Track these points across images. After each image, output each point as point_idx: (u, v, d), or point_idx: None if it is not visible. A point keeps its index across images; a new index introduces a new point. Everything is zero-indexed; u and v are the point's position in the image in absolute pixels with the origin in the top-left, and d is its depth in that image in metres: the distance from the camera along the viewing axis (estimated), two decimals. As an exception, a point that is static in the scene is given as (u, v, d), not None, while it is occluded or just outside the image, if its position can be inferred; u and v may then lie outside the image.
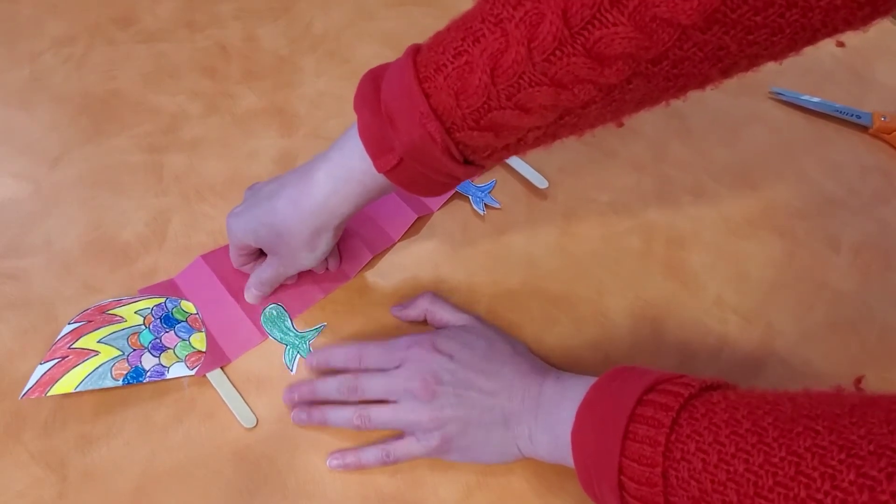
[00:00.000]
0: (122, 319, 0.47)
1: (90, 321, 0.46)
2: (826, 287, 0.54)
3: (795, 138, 0.63)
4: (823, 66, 0.68)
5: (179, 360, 0.46)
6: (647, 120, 0.63)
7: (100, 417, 0.45)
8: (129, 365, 0.45)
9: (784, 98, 0.65)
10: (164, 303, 0.49)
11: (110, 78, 0.62)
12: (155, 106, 0.60)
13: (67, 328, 0.46)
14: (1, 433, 0.44)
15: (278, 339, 0.49)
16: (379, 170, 0.39)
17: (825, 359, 0.50)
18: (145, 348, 0.46)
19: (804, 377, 0.49)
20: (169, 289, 0.50)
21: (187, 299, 0.50)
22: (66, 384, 0.43)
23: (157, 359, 0.46)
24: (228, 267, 0.51)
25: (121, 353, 0.45)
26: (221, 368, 0.47)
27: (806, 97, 0.64)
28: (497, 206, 0.56)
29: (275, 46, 0.65)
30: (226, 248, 0.51)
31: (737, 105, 0.65)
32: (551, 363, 0.49)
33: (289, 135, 0.59)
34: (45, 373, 0.44)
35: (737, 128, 0.63)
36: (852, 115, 0.63)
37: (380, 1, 0.70)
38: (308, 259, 0.46)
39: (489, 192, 0.57)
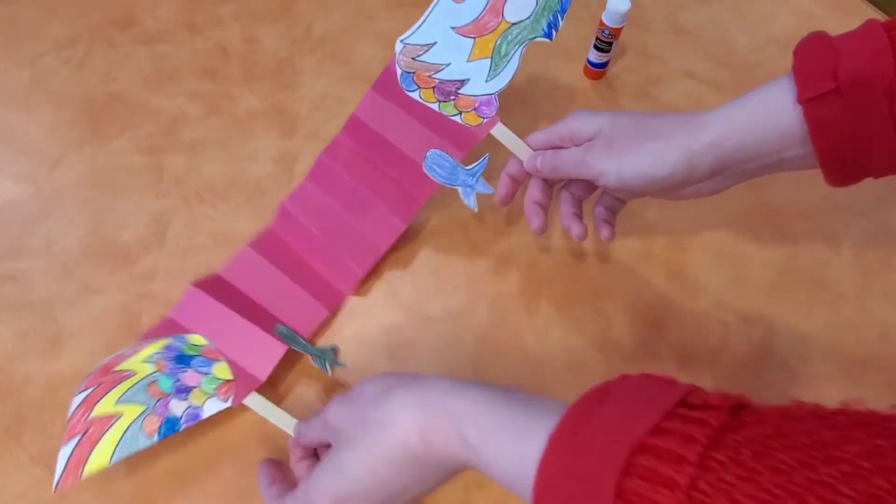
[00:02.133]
0: (133, 373, 0.43)
1: (99, 384, 0.42)
2: (826, 288, 0.54)
3: (795, 139, 0.63)
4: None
5: (210, 395, 0.43)
6: (647, 121, 0.63)
7: (100, 419, 0.44)
8: (159, 416, 0.41)
9: (784, 99, 0.64)
10: (171, 342, 0.44)
11: (111, 80, 0.62)
12: (155, 108, 0.60)
13: (76, 399, 0.41)
14: (1, 435, 0.44)
15: (301, 350, 0.47)
16: (804, 96, 0.37)
17: (825, 360, 0.50)
18: (170, 394, 0.42)
19: (804, 379, 0.49)
20: (169, 327, 0.47)
21: (192, 332, 0.46)
22: (100, 459, 0.40)
23: (185, 401, 0.42)
24: (224, 288, 0.49)
25: (145, 407, 0.42)
26: (256, 390, 0.44)
27: (806, 98, 0.64)
28: (489, 191, 0.50)
29: (275, 48, 0.65)
30: (214, 276, 0.50)
31: (737, 106, 0.65)
32: (551, 364, 0.49)
33: (289, 136, 0.59)
34: (70, 454, 0.40)
35: (737, 129, 0.63)
36: (852, 117, 0.63)
37: (380, 2, 0.70)
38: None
39: (480, 175, 0.50)
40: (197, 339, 0.45)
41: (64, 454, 0.39)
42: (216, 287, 0.49)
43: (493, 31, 0.46)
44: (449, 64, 0.46)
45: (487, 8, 0.45)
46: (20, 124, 0.58)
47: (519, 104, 0.63)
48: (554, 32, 0.47)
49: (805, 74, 0.38)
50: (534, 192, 0.49)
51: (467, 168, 0.50)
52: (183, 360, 0.44)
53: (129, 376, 0.42)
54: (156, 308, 0.49)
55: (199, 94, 0.61)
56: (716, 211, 0.57)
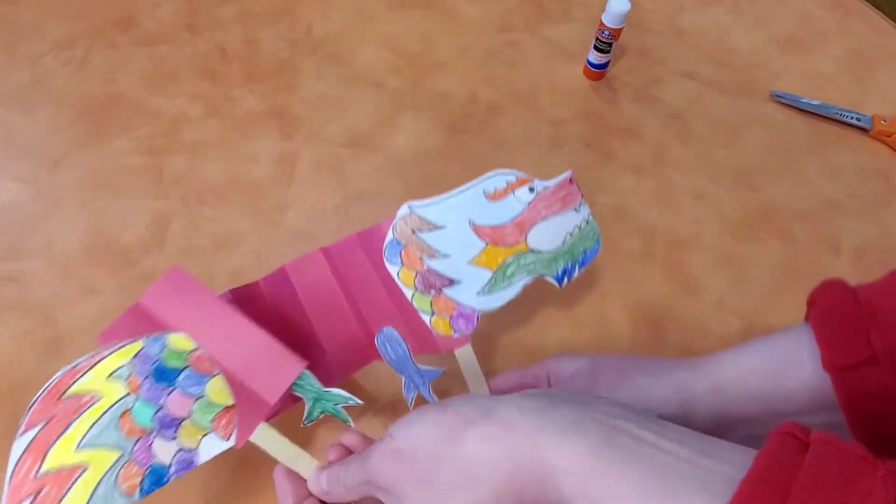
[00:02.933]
0: (96, 397, 0.31)
1: (50, 419, 0.30)
2: (826, 289, 0.54)
3: (796, 141, 0.63)
4: (824, 68, 0.68)
5: (205, 430, 0.33)
6: (648, 122, 0.63)
7: (99, 420, 0.44)
8: (140, 466, 0.31)
9: (784, 100, 0.65)
10: (145, 346, 0.33)
11: (111, 81, 0.62)
12: (155, 108, 0.60)
13: (19, 445, 0.30)
14: (1, 436, 0.44)
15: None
16: (829, 361, 0.31)
17: (826, 361, 0.50)
18: (152, 431, 0.32)
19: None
20: (139, 320, 0.35)
21: (173, 329, 0.34)
22: None
23: (174, 441, 0.32)
24: (262, 299, 0.40)
25: (120, 452, 0.31)
26: (265, 421, 0.35)
27: (806, 100, 0.64)
28: (432, 401, 0.42)
29: (275, 49, 0.65)
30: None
31: (737, 107, 0.65)
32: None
33: (289, 137, 0.59)
34: None
35: (737, 130, 0.63)
36: (852, 118, 0.63)
37: (380, 4, 0.70)
38: None
39: (429, 382, 0.42)
40: (181, 340, 0.34)
41: None
42: (237, 301, 0.40)
43: (509, 246, 0.40)
44: (448, 256, 0.40)
45: (515, 221, 0.40)
46: (20, 125, 0.58)
47: (519, 104, 0.63)
48: (566, 280, 0.42)
49: (829, 334, 0.31)
50: None
51: (420, 367, 0.42)
52: (164, 375, 0.33)
53: (90, 403, 0.31)
54: (156, 309, 0.49)
55: (199, 96, 0.61)
56: (716, 212, 0.57)
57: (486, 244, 0.40)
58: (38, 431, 0.31)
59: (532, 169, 0.58)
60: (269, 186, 0.56)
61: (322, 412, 0.38)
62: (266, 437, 0.35)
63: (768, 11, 0.73)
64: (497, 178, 0.40)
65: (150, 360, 0.33)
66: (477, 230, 0.40)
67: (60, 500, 0.29)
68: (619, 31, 0.61)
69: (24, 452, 0.30)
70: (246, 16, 0.68)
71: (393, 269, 0.40)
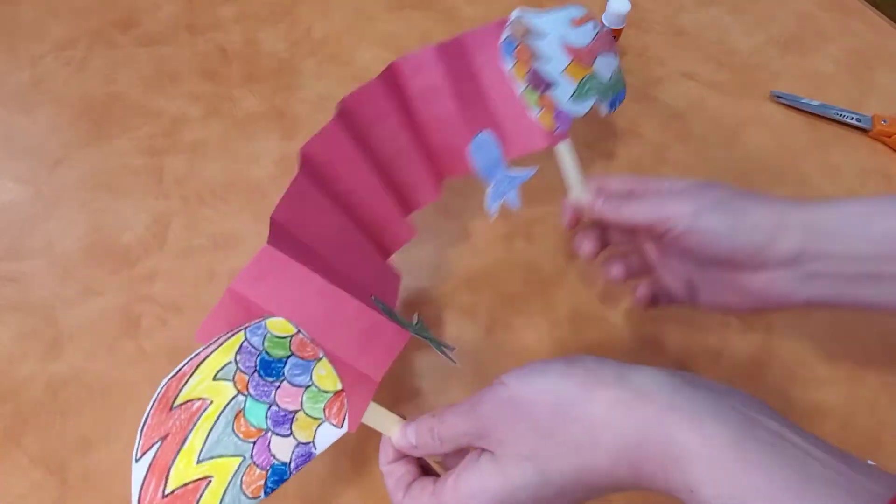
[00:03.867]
0: (206, 402, 0.30)
1: (165, 437, 0.30)
2: (826, 290, 0.54)
3: (795, 141, 0.63)
4: (823, 68, 0.68)
5: (320, 420, 0.32)
6: (648, 122, 0.63)
7: (99, 421, 0.44)
8: (262, 468, 0.31)
9: (784, 101, 0.65)
10: (246, 339, 0.31)
11: (111, 81, 0.62)
12: (155, 109, 0.60)
13: (139, 469, 0.29)
14: (1, 437, 0.44)
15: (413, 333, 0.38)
16: None
17: (826, 362, 0.50)
18: (266, 430, 0.31)
19: (804, 380, 0.49)
20: (235, 308, 0.33)
21: (270, 314, 0.32)
22: None
23: (289, 437, 0.31)
24: (296, 245, 0.36)
25: (241, 457, 0.30)
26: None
27: (806, 100, 0.64)
28: (516, 206, 0.45)
29: (275, 49, 0.65)
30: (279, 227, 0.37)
31: (737, 108, 0.65)
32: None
33: (289, 138, 0.59)
34: None
35: (737, 130, 0.63)
36: (852, 118, 0.63)
37: (380, 4, 0.70)
38: None
39: (517, 185, 0.45)
40: (280, 325, 0.32)
41: None
42: (289, 244, 0.36)
43: (585, 66, 0.46)
44: (550, 59, 0.45)
45: (588, 47, 0.46)
46: (20, 125, 0.58)
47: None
48: (612, 110, 0.48)
49: None
50: (594, 229, 0.44)
51: (510, 170, 0.45)
52: (271, 368, 0.31)
53: (202, 410, 0.30)
54: (156, 310, 0.49)
55: (199, 96, 0.61)
56: (716, 212, 0.57)
57: (572, 60, 0.45)
58: (157, 452, 0.30)
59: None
60: (269, 187, 0.56)
61: (426, 337, 0.38)
62: (373, 415, 0.34)
63: (768, 12, 0.73)
64: (575, 8, 0.47)
65: (255, 353, 0.31)
66: (566, 46, 0.46)
67: None
68: (619, 31, 0.61)
69: (146, 475, 0.29)
70: (246, 16, 0.68)
71: (508, 64, 0.45)
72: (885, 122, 0.63)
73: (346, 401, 0.32)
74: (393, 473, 0.34)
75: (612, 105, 0.48)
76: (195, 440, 0.30)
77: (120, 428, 0.44)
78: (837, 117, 0.64)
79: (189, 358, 0.31)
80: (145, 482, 0.29)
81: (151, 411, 0.30)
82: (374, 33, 0.68)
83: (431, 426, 0.33)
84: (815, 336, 0.51)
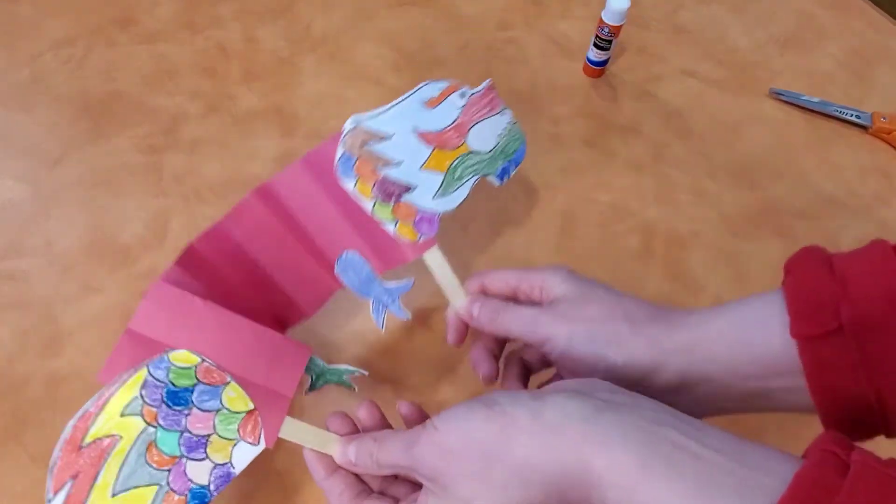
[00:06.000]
0: (116, 438, 0.30)
1: (76, 475, 0.29)
2: (826, 287, 0.54)
3: (795, 138, 0.63)
4: (823, 66, 0.68)
5: (233, 440, 0.32)
6: (648, 120, 0.63)
7: (99, 418, 0.44)
8: (180, 493, 0.31)
9: (784, 98, 0.65)
10: (149, 375, 0.31)
11: (110, 79, 0.62)
12: (155, 107, 0.60)
13: None
14: (1, 434, 0.44)
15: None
16: (797, 330, 0.31)
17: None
18: (180, 457, 0.31)
19: (804, 377, 0.49)
20: (135, 348, 0.35)
21: (172, 347, 0.33)
22: None
23: (205, 460, 0.31)
24: (203, 285, 0.38)
25: (157, 486, 0.30)
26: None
27: (806, 97, 0.64)
28: (405, 317, 0.44)
29: (274, 47, 0.65)
30: (186, 254, 0.40)
31: (737, 105, 0.65)
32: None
33: (289, 135, 0.59)
34: None
35: (737, 128, 0.63)
36: (852, 116, 0.63)
37: (380, 2, 0.70)
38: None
39: (399, 298, 0.43)
40: (183, 356, 0.32)
41: None
42: (187, 272, 0.39)
43: (453, 149, 0.42)
44: (401, 163, 0.41)
45: (454, 125, 0.42)
46: (19, 124, 0.58)
47: (519, 102, 0.63)
48: (506, 178, 0.44)
49: (800, 305, 0.31)
50: (487, 340, 0.42)
51: (386, 285, 0.43)
52: (178, 397, 0.31)
53: (112, 446, 0.30)
54: (155, 307, 0.49)
55: (198, 94, 0.61)
56: (715, 210, 0.57)
57: (433, 149, 0.41)
58: (69, 491, 0.29)
59: (531, 167, 0.58)
60: (268, 184, 0.56)
61: (325, 383, 0.39)
62: (292, 430, 0.35)
63: (768, 9, 0.73)
64: (430, 87, 0.42)
65: (160, 386, 0.31)
66: (422, 136, 0.41)
67: None
68: (618, 28, 0.61)
69: None
70: (245, 14, 0.68)
71: (349, 184, 0.40)
72: (884, 119, 0.63)
73: (259, 418, 0.33)
74: (333, 489, 0.35)
75: (505, 173, 0.44)
76: (107, 475, 0.29)
77: (120, 425, 0.44)
78: (837, 114, 0.64)
79: (93, 399, 0.31)
80: None
81: (59, 454, 0.29)
82: (373, 31, 0.68)
83: (371, 451, 0.34)
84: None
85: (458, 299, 0.42)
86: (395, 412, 0.38)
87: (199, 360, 0.32)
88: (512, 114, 0.44)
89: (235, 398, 0.32)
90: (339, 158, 0.40)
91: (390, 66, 0.65)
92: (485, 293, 0.42)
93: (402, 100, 0.42)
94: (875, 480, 0.23)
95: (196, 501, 0.31)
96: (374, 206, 0.40)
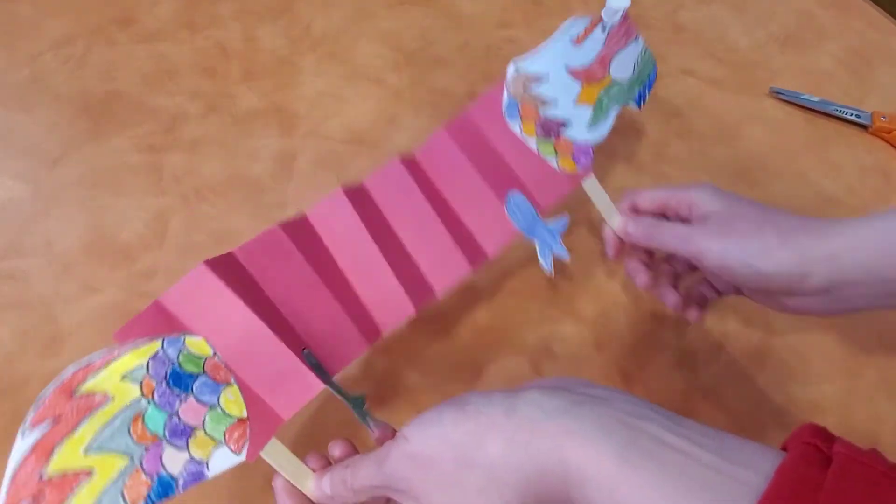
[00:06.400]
0: (108, 398, 0.29)
1: (57, 418, 0.28)
2: (826, 286, 0.54)
3: (795, 137, 0.63)
4: (823, 65, 0.68)
5: (218, 443, 0.31)
6: (647, 119, 0.63)
7: (100, 417, 0.45)
8: (148, 475, 0.29)
9: (784, 97, 0.65)
10: (162, 349, 0.31)
11: (110, 78, 0.62)
12: (155, 106, 0.60)
13: (23, 444, 0.28)
14: (1, 435, 0.44)
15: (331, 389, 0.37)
16: None
17: (825, 359, 0.50)
18: (161, 439, 0.30)
19: (803, 378, 0.49)
20: (158, 319, 0.34)
21: (191, 332, 0.33)
22: None
23: (184, 452, 0.30)
24: (239, 277, 0.36)
25: (128, 458, 0.29)
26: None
27: (806, 96, 0.64)
28: (566, 257, 0.46)
29: (274, 47, 0.65)
30: (230, 254, 0.37)
31: (736, 104, 0.65)
32: (552, 363, 0.49)
33: (288, 135, 0.59)
34: None
35: (736, 127, 0.63)
36: (852, 115, 0.63)
37: (379, 1, 0.70)
38: None
39: (559, 237, 0.46)
40: (199, 344, 0.32)
41: None
42: (230, 273, 0.36)
43: (599, 81, 0.44)
44: (557, 101, 0.44)
45: (599, 58, 0.44)
46: (19, 123, 0.58)
47: (518, 102, 0.63)
48: (642, 103, 0.46)
49: None
50: (640, 253, 0.46)
51: (548, 223, 0.45)
52: (180, 380, 0.31)
53: (102, 405, 0.29)
54: (155, 307, 0.49)
55: (198, 93, 0.61)
56: (715, 209, 0.57)
57: (582, 84, 0.44)
58: (46, 430, 0.28)
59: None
60: (268, 183, 0.56)
61: (365, 416, 0.37)
62: (275, 453, 0.34)
63: (768, 8, 0.73)
64: (577, 24, 0.44)
65: (167, 363, 0.31)
66: (572, 73, 0.44)
67: None
68: (618, 27, 0.61)
69: (28, 451, 0.28)
70: (245, 13, 0.68)
71: (515, 126, 0.44)
72: (884, 118, 0.63)
73: (248, 429, 0.32)
74: None
75: (642, 98, 0.47)
76: (87, 430, 0.29)
77: (120, 425, 0.44)
78: (837, 114, 0.64)
79: (100, 353, 0.30)
80: (25, 458, 0.28)
81: (50, 392, 0.29)
82: (373, 30, 0.68)
83: (344, 478, 0.33)
84: (814, 332, 0.51)
85: (614, 219, 0.45)
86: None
87: (211, 352, 0.32)
88: (643, 40, 0.47)
89: (232, 402, 0.32)
90: (507, 104, 0.44)
91: (390, 66, 0.65)
92: (636, 211, 0.45)
93: (553, 40, 0.44)
94: (857, 473, 0.23)
95: (160, 489, 0.29)
96: (537, 143, 0.44)
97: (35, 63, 0.62)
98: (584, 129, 0.44)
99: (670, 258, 0.47)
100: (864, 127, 0.63)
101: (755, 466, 0.25)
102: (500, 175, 0.45)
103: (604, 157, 0.60)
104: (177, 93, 0.61)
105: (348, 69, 0.64)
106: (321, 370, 0.37)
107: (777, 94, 0.65)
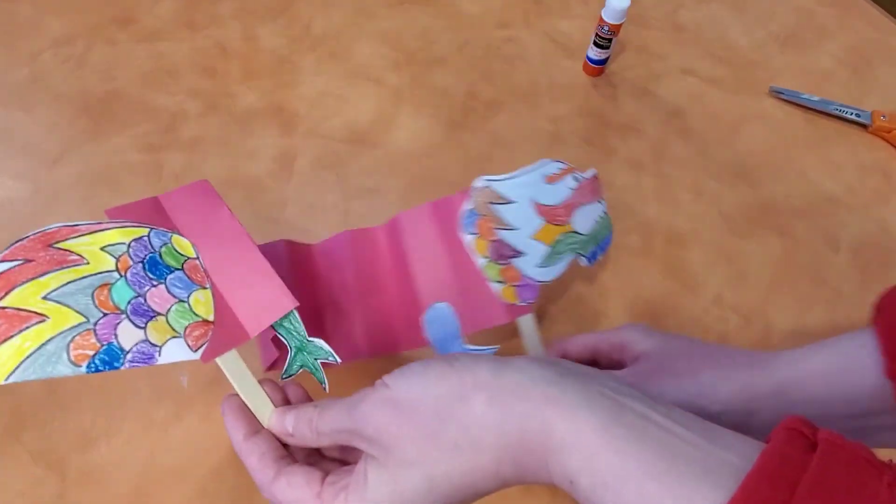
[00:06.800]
0: (83, 261, 0.30)
1: (29, 260, 0.29)
2: (825, 286, 0.54)
3: (795, 137, 0.63)
4: (823, 64, 0.68)
5: (176, 334, 0.32)
6: (648, 118, 0.63)
7: (99, 416, 0.45)
8: (99, 341, 0.29)
9: (784, 96, 0.65)
10: (148, 236, 0.32)
11: (110, 78, 0.62)
12: (154, 105, 0.60)
13: None
14: (0, 433, 0.44)
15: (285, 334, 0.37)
16: (892, 369, 0.31)
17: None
18: (122, 312, 0.30)
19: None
20: (152, 212, 0.35)
21: (181, 234, 0.34)
22: None
23: (141, 330, 0.30)
24: (286, 274, 0.38)
25: (83, 319, 0.29)
26: (237, 351, 0.34)
27: (806, 96, 0.64)
28: None
29: (274, 46, 0.65)
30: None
31: (736, 103, 0.65)
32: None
33: (288, 134, 0.59)
34: None
35: (736, 126, 0.63)
36: (852, 114, 0.63)
37: (379, 0, 0.70)
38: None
39: None
40: (184, 244, 0.33)
41: None
42: (285, 254, 0.40)
43: (560, 225, 0.44)
44: (516, 229, 0.43)
45: (564, 203, 0.44)
46: (19, 122, 0.58)
47: (519, 100, 0.63)
48: (594, 262, 0.46)
49: (893, 343, 0.31)
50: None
51: (470, 347, 0.44)
52: (157, 268, 0.32)
53: (75, 264, 0.30)
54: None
55: (198, 92, 0.61)
56: (715, 208, 0.57)
57: (544, 221, 0.43)
58: (13, 266, 0.29)
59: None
60: (268, 183, 0.56)
61: (302, 366, 0.37)
62: (232, 365, 0.33)
63: (768, 8, 0.73)
64: (552, 165, 0.44)
65: (148, 250, 0.32)
66: (537, 208, 0.43)
67: (7, 339, 0.28)
68: (618, 26, 0.61)
69: None
70: (245, 12, 0.68)
71: (469, 238, 0.43)
72: (884, 118, 0.63)
73: (210, 332, 0.32)
74: (253, 451, 0.32)
75: (593, 257, 0.46)
76: (52, 279, 0.29)
77: (120, 423, 0.44)
78: (837, 113, 0.64)
79: (90, 222, 0.31)
80: None
81: (30, 237, 0.30)
82: (373, 29, 0.68)
83: (311, 417, 0.32)
84: (813, 332, 0.51)
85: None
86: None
87: (195, 255, 0.33)
88: (605, 204, 0.47)
89: (202, 303, 0.33)
90: (466, 212, 0.43)
91: (390, 65, 0.65)
92: (567, 357, 0.42)
93: (527, 171, 0.44)
94: (843, 457, 0.23)
95: (105, 357, 0.29)
96: (486, 264, 0.42)
97: (35, 62, 0.62)
98: (535, 265, 0.43)
99: None
100: (864, 126, 0.63)
101: (739, 451, 0.24)
102: (466, 267, 0.43)
103: (603, 155, 0.60)
104: (177, 92, 0.61)
105: (348, 69, 0.64)
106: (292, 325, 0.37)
107: (777, 94, 0.65)
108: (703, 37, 0.70)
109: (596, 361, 0.42)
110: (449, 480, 0.28)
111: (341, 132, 0.60)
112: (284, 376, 0.37)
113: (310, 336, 0.36)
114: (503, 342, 0.46)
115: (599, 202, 0.47)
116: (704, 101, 0.64)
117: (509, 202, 0.43)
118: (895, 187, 0.60)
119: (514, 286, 0.43)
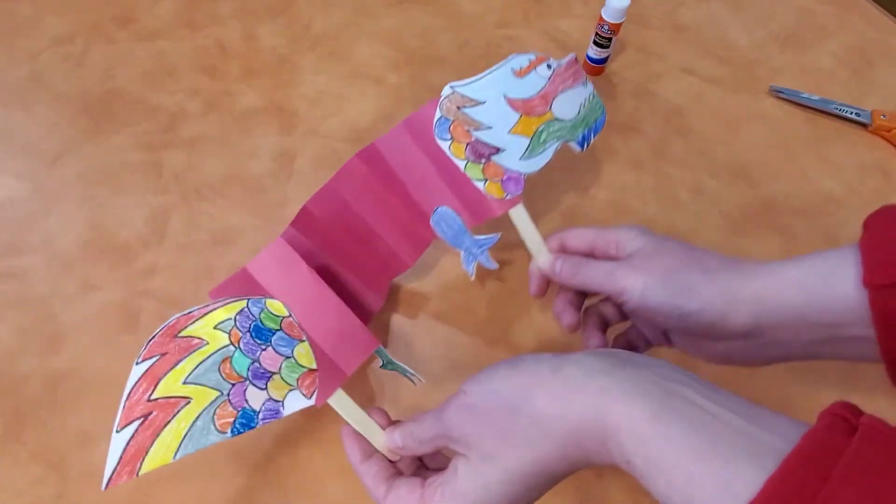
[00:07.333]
0: (204, 342, 0.35)
1: (164, 354, 0.34)
2: (825, 285, 0.54)
3: (795, 136, 0.63)
4: (823, 64, 0.68)
5: (292, 387, 0.37)
6: (647, 118, 0.63)
7: (99, 415, 0.45)
8: (235, 408, 0.35)
9: (784, 96, 0.64)
10: (247, 307, 0.36)
11: (109, 77, 0.62)
12: (154, 104, 0.60)
13: (137, 371, 0.34)
14: (1, 432, 0.44)
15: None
16: (869, 279, 0.32)
17: (823, 360, 0.50)
18: (245, 379, 0.35)
19: (802, 377, 0.49)
20: (245, 282, 0.42)
21: (271, 296, 0.39)
22: (163, 453, 0.33)
23: (264, 391, 0.36)
24: (315, 243, 0.44)
25: (219, 392, 0.34)
26: (341, 389, 0.39)
27: (806, 95, 0.64)
28: (493, 267, 0.47)
29: (274, 45, 0.65)
30: (305, 216, 0.45)
31: (736, 103, 0.65)
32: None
33: (288, 133, 0.59)
34: (128, 443, 0.33)
35: (736, 125, 0.63)
36: (852, 113, 0.63)
37: (379, 0, 0.70)
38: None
39: (487, 250, 0.47)
40: (277, 306, 0.37)
41: (119, 443, 0.32)
42: (301, 232, 0.45)
43: (539, 116, 0.45)
44: (491, 127, 0.44)
45: (540, 93, 0.45)
46: (19, 122, 0.58)
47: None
48: (586, 146, 0.47)
49: (875, 256, 0.32)
50: (568, 293, 0.44)
51: (476, 237, 0.47)
52: (261, 333, 0.36)
53: (199, 346, 0.35)
54: (155, 305, 0.49)
55: (198, 91, 0.61)
56: (715, 208, 0.57)
57: (520, 115, 0.44)
58: (154, 362, 0.34)
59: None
60: (268, 182, 0.56)
61: (393, 369, 0.44)
62: (341, 401, 0.39)
63: (768, 7, 0.73)
64: (519, 59, 0.45)
65: (250, 319, 0.36)
66: (511, 103, 0.44)
67: (166, 424, 0.33)
68: (618, 26, 0.61)
69: (140, 378, 0.33)
70: (245, 12, 0.68)
71: (444, 144, 0.45)
72: (884, 117, 0.63)
73: (317, 379, 0.37)
74: (368, 471, 0.37)
75: (586, 140, 0.46)
76: (187, 365, 0.34)
77: (119, 423, 0.44)
78: (837, 112, 0.64)
79: (200, 307, 0.36)
80: (137, 383, 0.33)
81: (159, 333, 0.34)
82: (373, 29, 0.67)
83: (412, 430, 0.37)
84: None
85: (541, 255, 0.44)
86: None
87: (287, 313, 0.37)
88: (593, 86, 0.47)
89: (304, 355, 0.37)
90: (437, 121, 0.44)
91: (390, 65, 0.65)
92: (564, 250, 0.44)
93: (494, 69, 0.45)
94: (882, 441, 0.24)
95: (243, 420, 0.35)
96: (466, 165, 0.45)
97: (34, 61, 0.62)
98: (516, 159, 0.45)
99: (602, 304, 0.45)
100: (864, 125, 0.63)
101: (782, 434, 0.26)
102: (452, 171, 0.46)
103: (603, 154, 0.60)
104: (176, 91, 0.61)
105: (348, 68, 0.64)
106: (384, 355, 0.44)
107: (777, 93, 0.65)
108: (703, 36, 0.70)
109: (593, 254, 0.43)
110: (522, 469, 0.31)
111: (341, 131, 0.60)
112: (382, 366, 0.45)
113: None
114: (506, 231, 0.47)
115: (584, 85, 0.47)
116: (704, 100, 0.64)
117: (479, 103, 0.44)
118: (895, 187, 0.60)
119: (498, 181, 0.45)
